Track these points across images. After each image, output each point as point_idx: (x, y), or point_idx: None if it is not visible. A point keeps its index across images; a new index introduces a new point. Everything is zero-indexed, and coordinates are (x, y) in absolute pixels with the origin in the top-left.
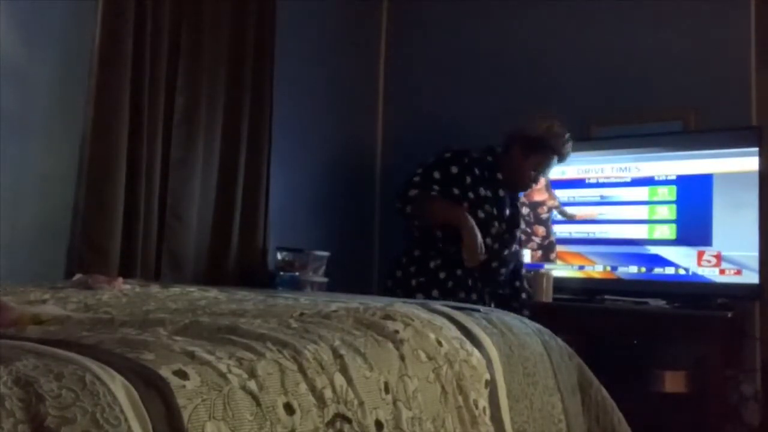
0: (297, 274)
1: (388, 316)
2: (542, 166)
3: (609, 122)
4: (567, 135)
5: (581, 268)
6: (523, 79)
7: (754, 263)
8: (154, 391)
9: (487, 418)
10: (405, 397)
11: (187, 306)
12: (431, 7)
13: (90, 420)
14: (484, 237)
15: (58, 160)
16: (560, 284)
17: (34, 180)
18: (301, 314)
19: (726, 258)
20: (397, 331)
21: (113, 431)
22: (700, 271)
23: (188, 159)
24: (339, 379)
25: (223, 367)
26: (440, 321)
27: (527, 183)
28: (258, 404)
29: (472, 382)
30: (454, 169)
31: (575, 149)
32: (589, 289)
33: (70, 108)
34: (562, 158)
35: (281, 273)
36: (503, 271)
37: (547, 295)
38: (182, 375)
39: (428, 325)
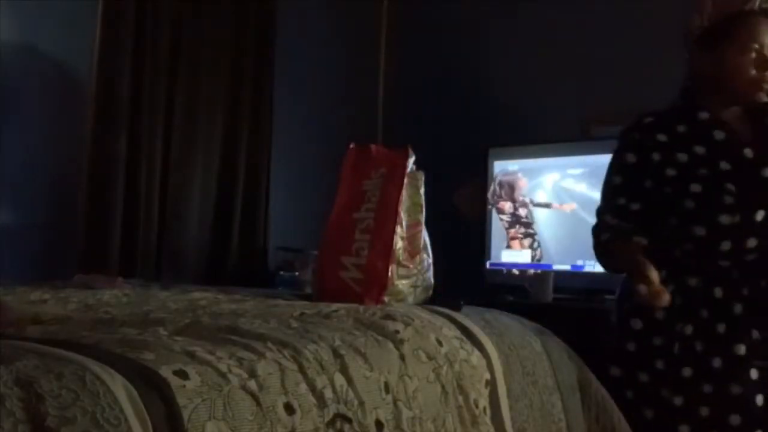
0: (297, 274)
1: (388, 316)
2: (750, 40)
3: (609, 122)
4: None
5: (581, 267)
6: (522, 78)
7: None
8: (154, 391)
9: (487, 418)
10: (405, 397)
11: (187, 306)
12: (431, 6)
13: (90, 420)
14: (711, 209)
15: (58, 160)
16: (560, 284)
17: (34, 180)
18: (301, 314)
19: None
20: (397, 331)
21: (113, 431)
22: None
23: (188, 159)
24: (339, 379)
25: (223, 367)
26: (440, 321)
27: (748, 77)
28: (258, 404)
29: (472, 382)
30: (631, 158)
31: (576, 150)
32: (589, 289)
33: (70, 108)
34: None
35: (281, 273)
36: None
37: (547, 295)
38: (182, 375)
39: (428, 325)
